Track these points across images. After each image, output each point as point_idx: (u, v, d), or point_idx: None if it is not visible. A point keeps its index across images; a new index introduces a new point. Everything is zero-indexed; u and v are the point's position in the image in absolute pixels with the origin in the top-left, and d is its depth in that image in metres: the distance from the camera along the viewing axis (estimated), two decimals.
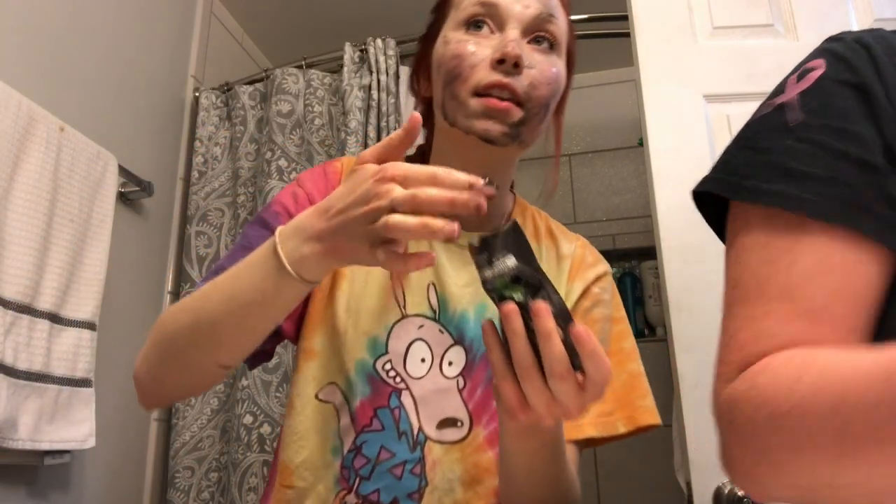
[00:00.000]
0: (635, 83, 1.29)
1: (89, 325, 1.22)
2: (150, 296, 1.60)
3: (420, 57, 0.84)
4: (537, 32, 0.73)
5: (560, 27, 0.74)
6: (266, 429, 1.44)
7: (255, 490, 1.41)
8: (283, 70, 1.72)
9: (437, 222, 0.50)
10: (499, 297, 0.51)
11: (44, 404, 1.11)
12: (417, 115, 0.57)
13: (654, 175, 1.22)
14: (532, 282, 0.51)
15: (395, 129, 1.58)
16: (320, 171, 0.79)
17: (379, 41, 1.66)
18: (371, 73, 1.63)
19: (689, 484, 1.08)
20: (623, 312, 0.83)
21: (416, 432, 0.73)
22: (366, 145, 1.57)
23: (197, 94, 1.82)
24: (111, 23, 1.51)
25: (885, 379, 0.35)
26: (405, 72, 1.67)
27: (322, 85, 1.71)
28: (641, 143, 1.28)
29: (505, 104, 0.69)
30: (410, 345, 0.75)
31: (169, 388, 0.70)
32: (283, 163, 1.63)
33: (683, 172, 1.22)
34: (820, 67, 0.51)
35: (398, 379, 0.74)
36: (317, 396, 0.75)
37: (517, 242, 0.52)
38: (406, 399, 0.73)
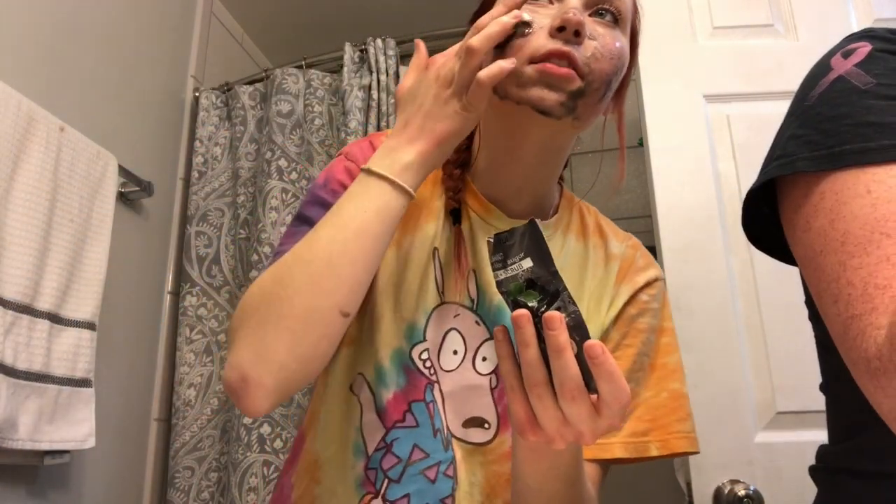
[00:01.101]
0: (635, 83, 1.29)
1: (89, 325, 1.22)
2: (150, 296, 1.60)
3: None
4: (600, 5, 0.66)
5: (625, 2, 0.68)
6: (266, 429, 1.44)
7: (255, 490, 1.41)
8: (283, 70, 1.72)
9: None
10: (512, 302, 0.48)
11: (44, 404, 1.11)
12: (420, 40, 0.64)
13: (654, 175, 1.22)
14: (548, 288, 0.47)
15: None
16: (367, 144, 0.74)
17: (379, 41, 1.66)
18: (371, 73, 1.63)
19: (689, 484, 1.08)
20: (671, 323, 0.76)
21: (446, 430, 0.68)
22: None
23: (197, 94, 1.82)
24: (111, 23, 1.51)
25: None
26: (405, 72, 1.67)
27: (322, 85, 1.71)
28: (641, 143, 1.28)
29: (564, 70, 0.62)
30: (446, 334, 0.69)
31: (288, 368, 0.57)
32: (283, 163, 1.63)
33: (683, 172, 1.22)
34: (865, 45, 0.51)
35: (432, 370, 0.68)
36: (351, 389, 0.70)
37: (535, 243, 0.48)
38: (436, 393, 0.68)
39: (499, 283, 0.49)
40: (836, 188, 0.46)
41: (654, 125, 1.25)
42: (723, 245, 1.17)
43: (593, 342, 0.44)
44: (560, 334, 0.44)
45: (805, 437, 1.02)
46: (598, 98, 0.65)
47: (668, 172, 1.22)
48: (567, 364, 0.45)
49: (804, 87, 0.54)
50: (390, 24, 1.99)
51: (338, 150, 1.61)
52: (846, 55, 0.51)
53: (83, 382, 1.20)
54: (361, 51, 1.68)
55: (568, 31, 0.62)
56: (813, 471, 0.64)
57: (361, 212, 0.59)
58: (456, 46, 0.60)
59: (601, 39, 0.64)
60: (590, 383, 0.45)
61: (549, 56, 0.62)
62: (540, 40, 0.63)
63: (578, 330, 0.45)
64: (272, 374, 0.56)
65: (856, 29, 1.26)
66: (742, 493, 1.04)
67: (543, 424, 0.47)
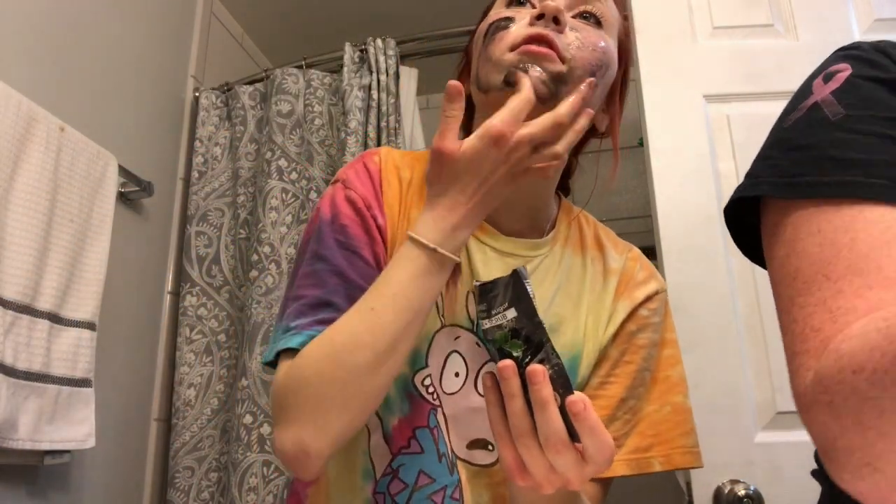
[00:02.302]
0: (635, 83, 1.29)
1: (89, 325, 1.22)
2: (150, 296, 1.60)
3: (466, 61, 0.79)
4: (583, 7, 0.68)
5: (609, 9, 0.69)
6: (266, 429, 1.44)
7: (254, 490, 1.41)
8: (283, 70, 1.72)
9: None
10: (498, 351, 0.50)
11: (44, 404, 1.11)
12: (453, 81, 0.60)
13: (654, 175, 1.22)
14: (532, 338, 0.48)
15: (394, 128, 1.58)
16: (362, 169, 0.72)
17: (379, 41, 1.66)
18: (371, 73, 1.63)
19: (689, 484, 1.08)
20: (674, 335, 0.76)
21: (450, 453, 0.68)
22: (366, 145, 1.57)
23: (197, 94, 1.82)
24: (111, 23, 1.51)
25: None
26: (405, 72, 1.67)
27: (322, 85, 1.71)
28: (641, 143, 1.28)
29: (544, 49, 0.62)
30: (447, 357, 0.69)
31: (345, 437, 0.60)
32: (283, 163, 1.63)
33: (683, 172, 1.22)
34: (846, 69, 0.52)
35: (434, 395, 0.69)
36: None
37: (518, 294, 0.49)
38: (440, 417, 0.68)
39: (485, 332, 0.51)
40: (795, 222, 0.49)
41: (654, 125, 1.25)
42: (723, 245, 1.17)
43: (575, 398, 0.46)
44: (543, 388, 0.46)
45: (805, 437, 1.01)
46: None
47: (668, 172, 1.22)
48: (551, 418, 0.46)
49: (787, 108, 0.55)
50: (390, 24, 1.99)
51: (338, 150, 1.61)
52: (827, 79, 0.52)
53: (83, 382, 1.20)
54: (361, 51, 1.68)
55: (546, 18, 0.63)
56: (813, 473, 0.64)
57: (428, 292, 0.59)
58: (526, 122, 0.59)
59: (583, 33, 0.66)
60: (574, 434, 0.46)
61: (529, 39, 0.63)
62: (520, 29, 0.64)
63: (561, 381, 0.47)
64: (331, 445, 0.58)
65: (855, 29, 1.26)
66: (742, 493, 1.04)
67: (531, 471, 0.49)
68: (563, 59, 0.63)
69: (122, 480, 1.45)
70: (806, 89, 0.54)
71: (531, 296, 0.49)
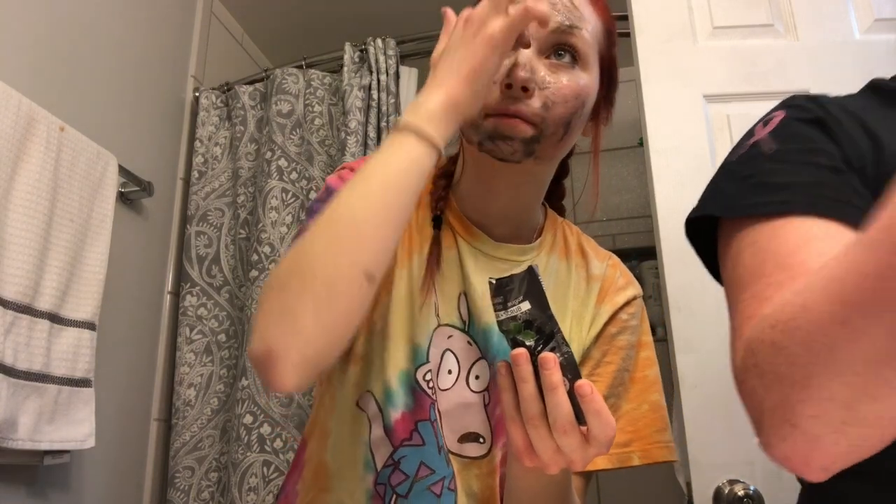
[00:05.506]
0: (635, 83, 1.29)
1: (89, 325, 1.22)
2: (150, 296, 1.60)
3: None
4: (559, 40, 0.66)
5: (584, 38, 0.67)
6: (266, 429, 1.44)
7: (254, 490, 1.41)
8: (283, 70, 1.72)
9: None
10: (511, 341, 0.54)
11: (43, 404, 1.11)
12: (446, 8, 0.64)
13: (654, 175, 1.22)
14: (544, 329, 0.52)
15: None
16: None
17: (379, 41, 1.66)
18: (371, 73, 1.63)
19: (689, 484, 1.08)
20: (650, 338, 0.79)
21: (446, 446, 0.71)
22: (366, 145, 1.57)
23: (197, 94, 1.82)
24: (111, 23, 1.51)
25: (879, 232, 0.37)
26: (405, 72, 1.67)
27: (322, 85, 1.71)
28: (641, 143, 1.28)
29: (513, 120, 0.65)
30: (443, 355, 0.72)
31: (315, 340, 0.54)
32: (283, 163, 1.63)
33: (683, 172, 1.22)
34: (781, 115, 0.62)
35: (433, 391, 0.71)
36: (357, 404, 0.72)
37: (532, 288, 0.53)
38: (436, 412, 0.71)
39: (499, 323, 0.54)
40: (738, 239, 0.57)
41: (654, 125, 1.25)
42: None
43: (583, 382, 0.50)
44: (553, 374, 0.50)
45: None
46: (557, 139, 0.68)
47: (668, 172, 1.22)
48: (560, 401, 0.50)
49: (735, 147, 0.65)
50: (390, 24, 1.99)
51: (338, 150, 1.61)
52: (765, 123, 0.63)
53: (83, 382, 1.20)
54: (361, 51, 1.68)
55: (515, 89, 0.64)
56: None
57: (384, 165, 0.57)
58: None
59: (554, 86, 0.66)
60: (580, 417, 0.51)
61: (497, 114, 0.65)
62: (494, 94, 0.66)
63: (570, 368, 0.51)
64: (298, 346, 0.53)
65: (855, 29, 1.27)
66: (742, 493, 1.04)
67: (539, 452, 0.53)
68: (534, 124, 0.65)
69: (122, 480, 1.45)
70: (750, 132, 0.64)
71: (544, 290, 0.53)
